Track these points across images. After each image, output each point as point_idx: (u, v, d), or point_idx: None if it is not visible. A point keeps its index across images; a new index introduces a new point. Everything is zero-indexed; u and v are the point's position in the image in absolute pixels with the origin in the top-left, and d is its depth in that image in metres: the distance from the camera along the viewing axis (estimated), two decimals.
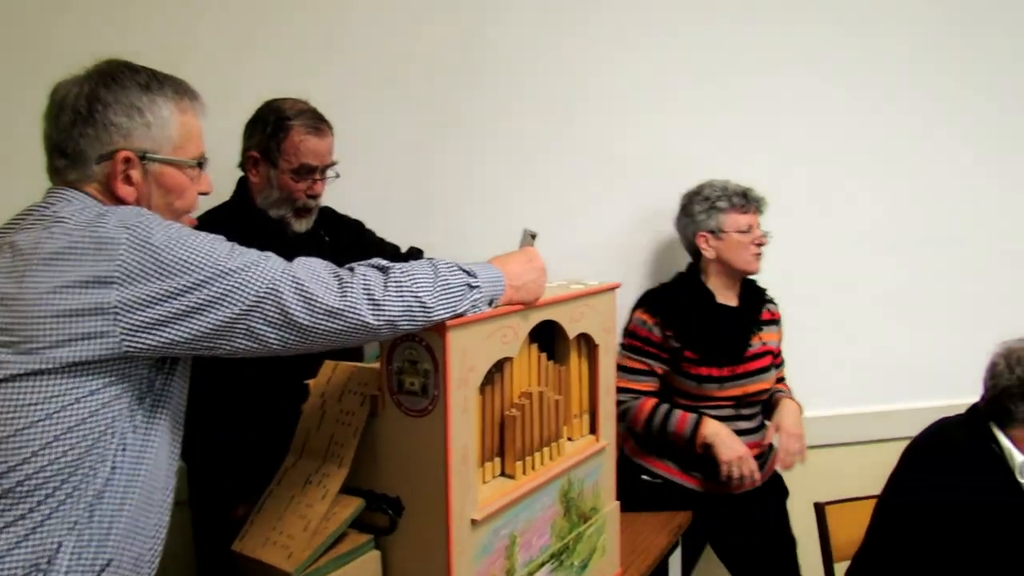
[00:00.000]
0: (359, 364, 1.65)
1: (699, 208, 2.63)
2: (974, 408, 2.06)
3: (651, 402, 2.55)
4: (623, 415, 2.53)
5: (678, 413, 2.51)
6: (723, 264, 2.62)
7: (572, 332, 1.79)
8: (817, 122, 3.03)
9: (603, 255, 2.88)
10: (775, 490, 2.70)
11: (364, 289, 1.34)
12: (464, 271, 1.48)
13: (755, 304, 2.69)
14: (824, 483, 2.85)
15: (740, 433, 2.53)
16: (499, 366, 1.60)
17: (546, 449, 1.75)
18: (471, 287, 1.47)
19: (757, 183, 2.65)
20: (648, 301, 2.62)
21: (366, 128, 2.61)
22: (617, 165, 2.88)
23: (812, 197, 3.02)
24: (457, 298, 1.44)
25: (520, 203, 2.79)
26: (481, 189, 2.76)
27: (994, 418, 1.98)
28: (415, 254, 2.36)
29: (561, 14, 2.80)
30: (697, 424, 2.48)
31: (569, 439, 1.85)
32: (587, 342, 1.88)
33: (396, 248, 2.38)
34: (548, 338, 1.76)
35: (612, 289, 1.92)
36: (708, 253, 2.63)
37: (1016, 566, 1.84)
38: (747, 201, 2.62)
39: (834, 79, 3.02)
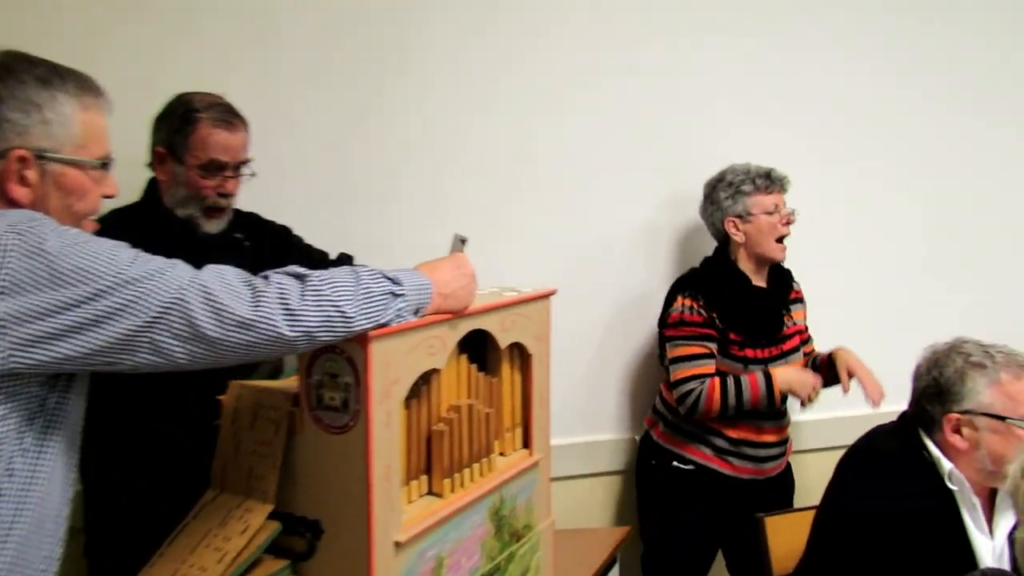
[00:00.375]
0: (267, 383, 1.61)
1: (724, 194, 2.72)
2: (903, 415, 2.08)
3: (716, 380, 2.63)
4: (695, 404, 2.60)
5: (745, 378, 2.61)
6: (751, 248, 2.72)
7: (504, 342, 1.77)
8: (795, 121, 3.12)
9: (541, 259, 2.85)
10: (786, 481, 2.86)
11: (279, 298, 1.31)
12: (388, 278, 1.44)
13: (784, 284, 2.81)
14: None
15: (773, 418, 2.68)
16: (426, 378, 1.57)
17: (476, 465, 1.72)
18: (395, 295, 1.44)
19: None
20: (687, 285, 2.70)
21: (287, 127, 2.58)
22: (551, 161, 2.87)
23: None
24: (380, 307, 1.41)
25: (450, 206, 2.77)
26: (409, 193, 2.73)
27: (920, 423, 2.00)
28: (345, 260, 2.32)
29: None
30: (768, 378, 2.60)
31: (501, 454, 1.83)
32: (520, 352, 1.86)
33: (324, 255, 2.34)
34: (479, 348, 1.74)
35: (546, 296, 1.90)
36: (738, 237, 2.72)
37: (949, 573, 1.84)
38: (771, 181, 2.71)
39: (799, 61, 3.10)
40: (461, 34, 2.73)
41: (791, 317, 2.79)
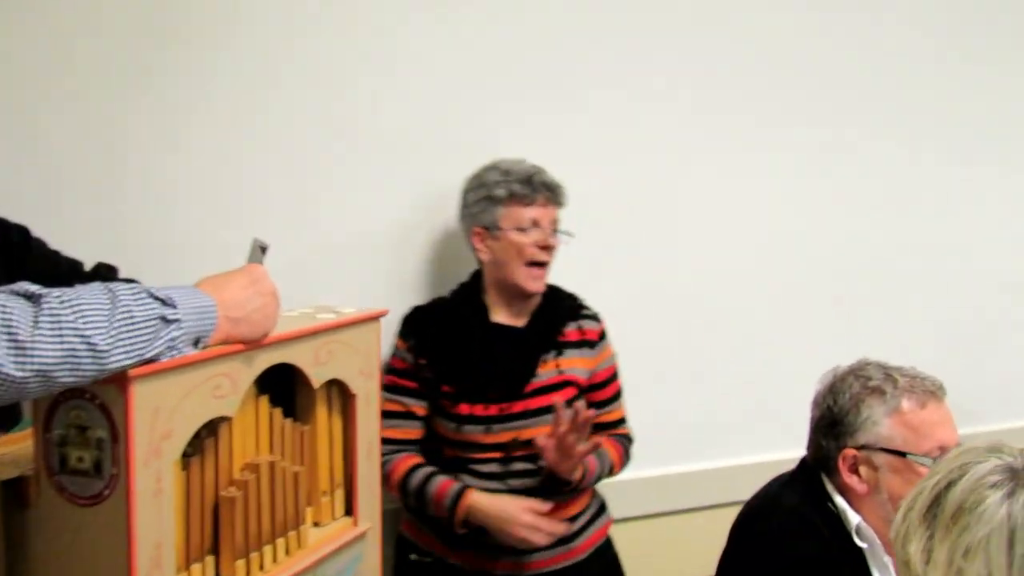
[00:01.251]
0: None
1: (473, 196, 2.39)
2: (803, 460, 1.97)
3: (410, 460, 2.28)
4: (385, 477, 2.22)
5: (439, 480, 2.24)
6: (495, 272, 2.37)
7: (319, 379, 1.64)
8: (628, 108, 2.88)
9: (367, 270, 2.57)
10: (603, 567, 2.45)
11: (3, 326, 1.16)
12: (157, 299, 1.30)
13: (553, 321, 2.42)
14: (669, 557, 2.74)
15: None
16: (212, 429, 1.45)
17: (281, 540, 1.58)
18: (167, 321, 1.30)
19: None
20: (405, 321, 2.38)
21: (30, 116, 2.31)
22: (373, 144, 2.58)
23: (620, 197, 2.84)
24: (146, 337, 1.27)
25: (245, 204, 2.46)
26: (188, 186, 2.43)
27: (821, 467, 1.90)
28: (104, 274, 2.08)
29: None
30: (457, 500, 2.21)
31: (316, 524, 1.70)
32: (341, 392, 1.74)
33: (76, 264, 2.11)
34: (285, 388, 1.63)
35: (375, 319, 1.78)
36: (484, 256, 2.37)
37: None
38: (532, 189, 2.33)
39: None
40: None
41: (557, 365, 2.37)
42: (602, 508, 2.45)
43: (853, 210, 3.16)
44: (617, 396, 2.48)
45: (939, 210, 3.22)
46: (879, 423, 1.81)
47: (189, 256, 2.24)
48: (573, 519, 2.34)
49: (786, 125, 3.04)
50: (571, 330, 2.41)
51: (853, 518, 1.81)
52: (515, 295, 2.35)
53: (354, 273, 2.54)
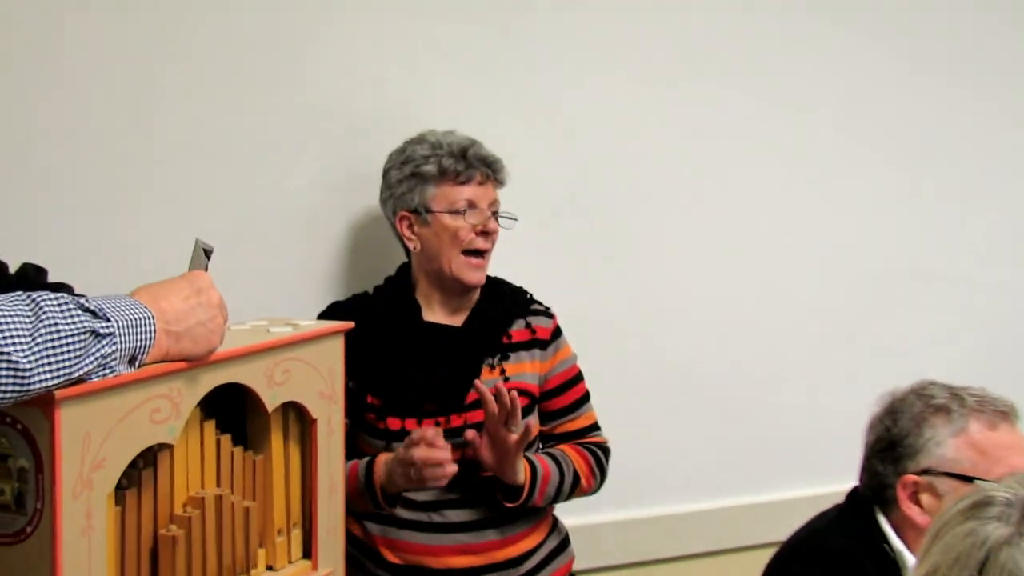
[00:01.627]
0: None
1: (398, 175, 2.15)
2: (853, 492, 1.84)
3: None
4: None
5: (349, 466, 2.01)
6: (426, 263, 2.17)
7: (273, 402, 1.57)
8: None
9: (269, 266, 2.38)
10: None
11: None
12: (87, 310, 1.24)
13: (497, 319, 2.21)
14: None
15: (449, 530, 2.09)
16: (150, 459, 1.40)
17: None
18: (98, 335, 1.24)
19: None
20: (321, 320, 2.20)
21: None
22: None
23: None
24: (73, 354, 1.21)
25: (192, 197, 2.32)
26: (122, 176, 2.29)
27: (876, 500, 1.77)
28: (32, 277, 1.92)
29: None
30: (371, 468, 2.02)
31: (270, 568, 1.63)
32: (299, 416, 1.67)
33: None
34: (234, 412, 1.57)
35: (338, 333, 1.72)
36: (412, 244, 2.15)
37: None
38: (468, 164, 2.13)
39: None
40: None
41: (502, 371, 2.17)
42: (564, 543, 2.24)
43: (898, 221, 3.05)
44: (582, 401, 2.27)
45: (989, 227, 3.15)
46: (944, 444, 1.69)
47: (125, 261, 2.11)
48: (526, 556, 2.15)
49: (814, 131, 2.95)
50: (519, 329, 2.21)
51: (909, 559, 1.70)
52: (451, 289, 2.16)
53: (253, 270, 2.30)
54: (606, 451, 2.24)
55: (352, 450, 2.09)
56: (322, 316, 2.16)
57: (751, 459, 2.78)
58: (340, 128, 2.43)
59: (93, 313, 1.24)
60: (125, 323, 1.27)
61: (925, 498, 1.68)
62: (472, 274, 2.12)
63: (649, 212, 2.76)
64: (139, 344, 1.29)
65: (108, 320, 1.25)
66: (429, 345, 2.12)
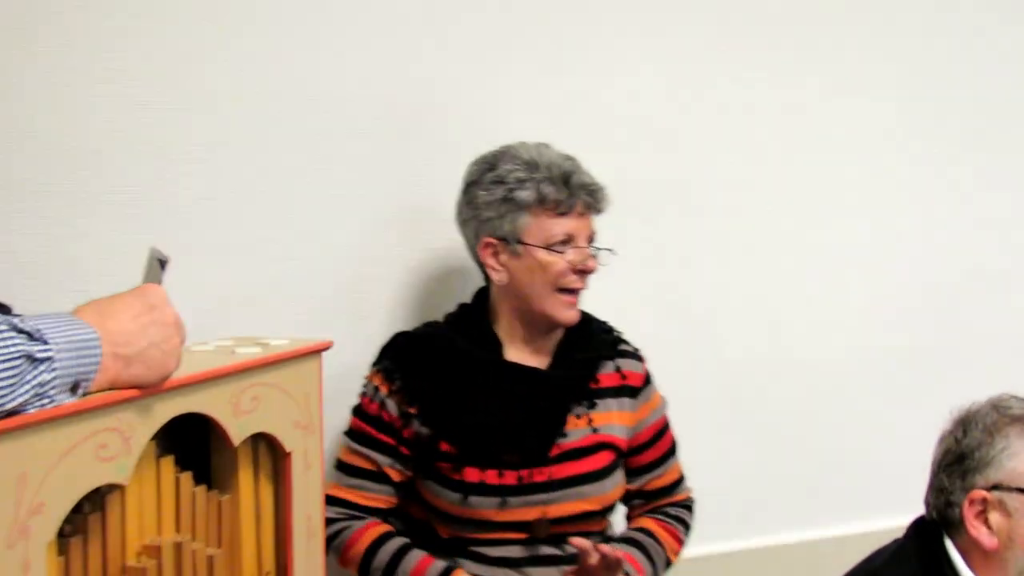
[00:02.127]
0: None
1: (487, 196, 2.01)
2: (919, 523, 1.76)
3: (377, 529, 1.97)
4: (336, 545, 1.97)
5: (417, 555, 1.93)
6: (515, 298, 2.03)
7: (240, 434, 1.49)
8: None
9: (306, 287, 2.29)
10: None
11: None
12: (22, 331, 1.18)
13: (584, 362, 2.09)
14: None
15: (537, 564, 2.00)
16: (98, 502, 1.31)
17: None
18: (35, 360, 1.17)
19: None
20: (387, 354, 2.04)
21: None
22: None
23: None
24: (5, 383, 1.15)
25: (152, 198, 2.21)
26: (72, 176, 2.18)
27: (943, 522, 1.69)
28: None
29: None
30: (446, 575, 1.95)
31: None
32: (271, 449, 1.60)
33: None
34: (196, 446, 1.49)
35: (315, 353, 1.64)
36: (497, 276, 2.00)
37: None
38: (570, 193, 1.97)
39: None
40: None
41: (589, 421, 2.05)
42: None
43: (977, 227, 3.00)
44: (670, 454, 2.17)
45: None
46: (1018, 456, 1.62)
47: (67, 273, 2.01)
48: None
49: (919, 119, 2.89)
50: (607, 373, 2.09)
51: None
52: (538, 326, 2.04)
53: (291, 293, 2.22)
54: (691, 508, 2.17)
55: (414, 502, 2.01)
56: (385, 348, 2.04)
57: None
58: (341, 128, 2.34)
59: (28, 335, 1.17)
60: (66, 345, 1.20)
61: (994, 517, 1.61)
62: (567, 313, 2.01)
63: (709, 225, 2.70)
64: (82, 369, 1.22)
65: (46, 343, 1.18)
66: (512, 389, 1.99)
